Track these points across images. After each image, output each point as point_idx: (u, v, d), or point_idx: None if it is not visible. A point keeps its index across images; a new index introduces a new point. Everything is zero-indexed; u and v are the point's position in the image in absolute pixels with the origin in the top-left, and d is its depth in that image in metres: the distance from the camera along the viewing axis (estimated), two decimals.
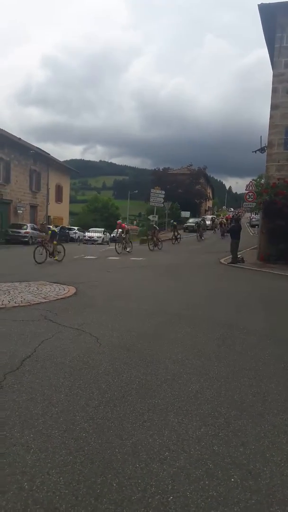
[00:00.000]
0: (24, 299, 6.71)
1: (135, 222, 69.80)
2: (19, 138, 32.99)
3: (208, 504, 1.89)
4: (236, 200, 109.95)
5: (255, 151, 16.78)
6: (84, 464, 2.17)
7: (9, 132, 32.16)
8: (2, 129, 30.96)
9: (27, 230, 26.66)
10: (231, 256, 14.51)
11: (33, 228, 27.66)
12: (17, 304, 6.28)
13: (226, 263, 14.25)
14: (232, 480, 2.07)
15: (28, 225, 27.75)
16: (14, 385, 3.17)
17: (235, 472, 2.14)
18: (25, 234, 26.35)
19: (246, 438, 2.50)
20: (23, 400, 2.91)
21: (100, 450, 2.31)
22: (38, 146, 38.24)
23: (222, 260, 14.82)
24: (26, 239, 26.09)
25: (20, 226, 27.14)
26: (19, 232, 26.41)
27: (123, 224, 19.42)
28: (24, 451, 2.27)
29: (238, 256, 14.38)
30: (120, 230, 19.10)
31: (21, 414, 2.71)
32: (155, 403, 2.95)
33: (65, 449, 2.30)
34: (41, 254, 12.90)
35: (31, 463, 2.16)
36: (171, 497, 1.93)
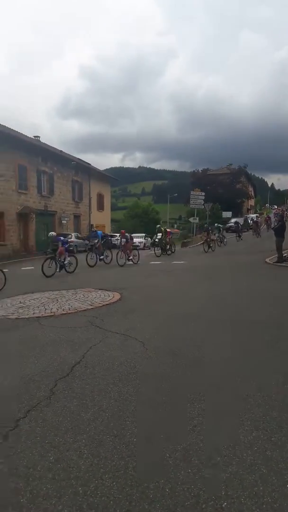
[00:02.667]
0: (71, 306, 6.89)
1: (175, 225, 69.68)
2: (61, 151, 34.04)
3: (263, 510, 1.84)
4: (279, 197, 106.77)
5: None
6: (136, 469, 2.18)
7: (51, 145, 33.32)
8: (44, 143, 32.13)
9: (72, 239, 27.38)
10: (276, 255, 14.08)
11: (77, 237, 28.38)
12: (65, 312, 6.46)
13: (271, 262, 13.84)
14: None
15: (73, 234, 28.48)
16: (65, 391, 3.26)
17: None
18: (70, 243, 27.06)
19: None
20: (74, 406, 2.99)
21: (152, 455, 2.31)
22: (79, 157, 39.28)
23: (267, 260, 14.42)
24: (71, 248, 26.76)
25: (65, 236, 27.90)
26: None
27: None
28: (77, 456, 2.33)
29: (284, 255, 13.93)
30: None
31: (72, 419, 2.78)
32: (204, 408, 2.92)
33: (117, 455, 2.33)
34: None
35: (85, 468, 2.21)
36: (225, 503, 1.90)
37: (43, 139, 33.61)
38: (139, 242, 33.02)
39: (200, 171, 61.27)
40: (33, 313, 6.39)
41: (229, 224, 39.17)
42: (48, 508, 1.90)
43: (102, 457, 2.31)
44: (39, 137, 32.98)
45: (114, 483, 2.07)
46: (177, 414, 2.83)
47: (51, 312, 6.43)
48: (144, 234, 36.83)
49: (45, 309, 6.72)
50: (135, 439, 2.50)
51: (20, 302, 7.43)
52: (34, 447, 2.43)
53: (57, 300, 7.56)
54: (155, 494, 1.98)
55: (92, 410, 2.92)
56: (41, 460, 2.30)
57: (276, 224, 14.88)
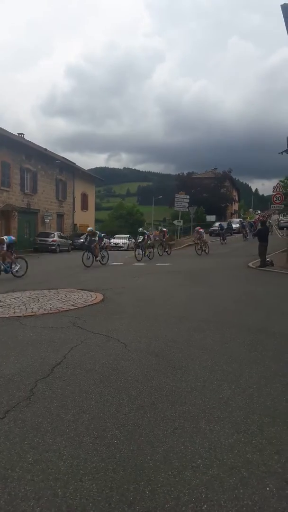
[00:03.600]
0: (53, 306, 6.82)
1: (159, 227, 69.91)
2: (45, 149, 33.75)
3: None
4: (263, 202, 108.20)
5: (282, 152, 16.52)
6: (116, 471, 2.17)
7: (35, 143, 32.98)
8: (28, 141, 31.79)
9: (54, 239, 27.17)
10: (259, 259, 14.27)
11: (60, 237, 28.17)
12: (47, 312, 6.39)
13: (254, 266, 14.02)
14: (268, 489, 2.02)
15: (55, 233, 28.26)
16: (46, 392, 3.22)
17: (270, 481, 2.09)
18: (53, 242, 26.86)
19: (280, 446, 2.44)
20: (55, 407, 2.95)
21: (132, 457, 2.30)
22: (64, 156, 39.04)
23: (250, 264, 14.60)
24: (54, 247, 26.62)
25: (48, 235, 27.66)
26: (47, 241, 26.93)
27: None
28: (56, 457, 2.29)
29: (267, 259, 14.12)
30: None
31: (53, 420, 2.74)
32: (186, 410, 2.92)
33: (97, 456, 2.31)
34: None
35: (64, 469, 2.18)
36: (205, 506, 1.89)
37: (27, 137, 33.33)
38: (123, 243, 33.03)
39: (185, 174, 61.65)
40: (14, 313, 6.30)
41: (213, 228, 39.49)
42: (26, 510, 1.87)
43: (82, 458, 2.28)
44: (23, 134, 32.66)
45: (93, 484, 2.05)
46: (158, 416, 2.82)
47: (32, 312, 6.35)
48: (128, 235, 36.84)
49: (26, 308, 6.63)
50: (116, 440, 2.48)
51: (0, 301, 7.32)
52: (12, 448, 2.39)
53: (38, 299, 7.48)
54: (135, 496, 1.96)
55: (72, 411, 2.89)
56: (20, 461, 2.26)
57: (254, 230, 15.11)
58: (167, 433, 2.58)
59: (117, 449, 2.38)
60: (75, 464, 2.23)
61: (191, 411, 2.91)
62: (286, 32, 15.69)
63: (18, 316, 6.03)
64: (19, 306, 6.79)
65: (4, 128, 27.99)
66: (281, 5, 14.57)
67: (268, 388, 3.35)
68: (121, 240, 34.19)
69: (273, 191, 18.80)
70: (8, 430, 2.60)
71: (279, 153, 16.77)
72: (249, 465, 2.23)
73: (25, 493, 1.98)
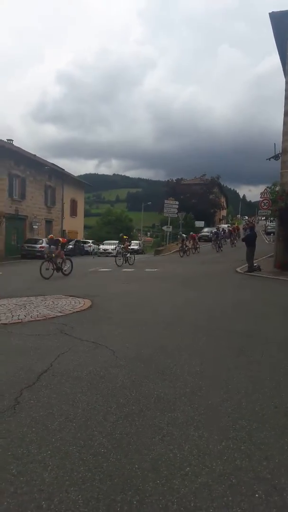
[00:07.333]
0: (40, 313, 6.72)
1: (149, 233, 69.96)
2: (34, 155, 33.60)
3: None
4: (250, 208, 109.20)
5: (269, 159, 16.67)
6: (103, 481, 2.11)
7: (24, 149, 32.83)
8: (17, 147, 31.63)
9: (42, 245, 26.96)
10: (247, 264, 14.33)
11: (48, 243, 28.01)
12: (33, 319, 6.29)
13: (242, 272, 14.07)
14: (257, 495, 1.99)
15: (43, 239, 28.06)
16: (31, 401, 3.15)
17: (259, 487, 2.06)
18: (40, 249, 26.63)
19: (269, 451, 2.41)
20: (40, 416, 2.88)
21: (119, 466, 2.25)
22: (53, 162, 38.91)
23: (238, 269, 14.65)
24: (42, 254, 26.41)
25: (36, 241, 27.47)
26: (35, 247, 26.74)
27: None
28: (41, 468, 2.23)
29: (254, 264, 14.19)
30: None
31: (38, 430, 2.67)
32: (174, 417, 2.88)
33: (83, 466, 2.25)
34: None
35: (49, 480, 2.12)
36: None
37: (17, 143, 33.15)
38: (112, 249, 32.90)
39: (174, 181, 61.90)
40: (0, 320, 6.19)
41: (202, 234, 39.72)
42: None
43: (68, 469, 2.23)
44: (12, 140, 32.48)
45: (79, 496, 1.99)
46: (147, 423, 2.78)
47: (19, 319, 6.25)
48: (117, 241, 36.78)
49: (12, 315, 6.53)
50: (103, 449, 2.43)
51: None
52: None
53: (25, 306, 7.38)
54: (122, 507, 1.92)
55: (58, 420, 2.83)
56: (2, 473, 2.19)
57: (244, 234, 15.24)
58: (156, 441, 2.53)
59: (104, 458, 2.33)
60: (61, 474, 2.17)
61: (179, 418, 2.87)
62: (273, 40, 15.92)
63: (4, 324, 5.93)
64: (5, 313, 6.68)
65: None
66: (269, 13, 14.80)
67: (256, 393, 3.33)
68: (110, 246, 34.08)
69: (260, 197, 18.94)
70: None
71: (267, 159, 16.92)
72: (238, 472, 2.20)
73: (8, 506, 1.92)
